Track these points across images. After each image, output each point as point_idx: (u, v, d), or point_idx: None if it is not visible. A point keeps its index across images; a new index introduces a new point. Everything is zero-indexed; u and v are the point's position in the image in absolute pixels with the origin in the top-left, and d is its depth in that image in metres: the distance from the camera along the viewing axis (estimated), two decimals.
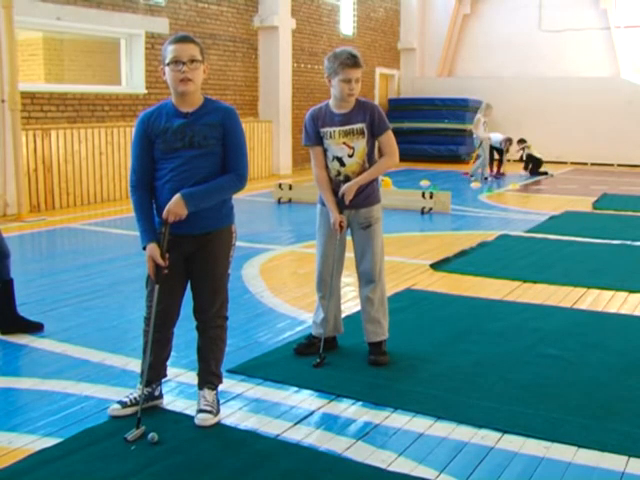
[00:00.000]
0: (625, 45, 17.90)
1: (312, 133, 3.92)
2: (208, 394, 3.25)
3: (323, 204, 4.00)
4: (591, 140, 17.54)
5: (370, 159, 3.93)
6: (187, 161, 3.08)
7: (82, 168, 9.85)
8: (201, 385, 3.29)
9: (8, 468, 2.77)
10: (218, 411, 3.24)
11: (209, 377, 3.29)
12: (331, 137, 3.87)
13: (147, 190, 3.16)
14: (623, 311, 5.12)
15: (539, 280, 5.93)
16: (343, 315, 4.28)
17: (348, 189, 3.85)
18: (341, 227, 3.90)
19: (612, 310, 5.15)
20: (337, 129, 3.85)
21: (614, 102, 17.25)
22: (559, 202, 10.84)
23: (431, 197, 9.63)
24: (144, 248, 3.10)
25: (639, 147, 17.25)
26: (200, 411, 3.19)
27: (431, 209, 9.61)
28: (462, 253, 6.99)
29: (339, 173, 3.91)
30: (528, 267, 6.45)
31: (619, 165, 17.42)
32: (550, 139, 17.26)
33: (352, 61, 3.74)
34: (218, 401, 3.29)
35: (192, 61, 3.04)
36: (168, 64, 3.05)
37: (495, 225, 8.81)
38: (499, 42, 19.08)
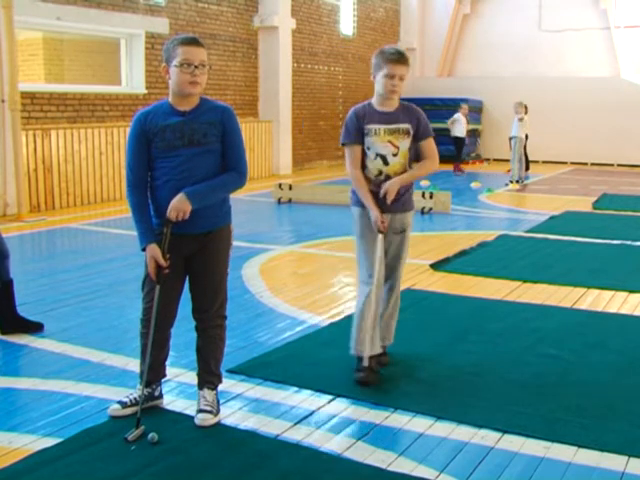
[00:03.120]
0: (625, 45, 17.90)
1: (354, 130, 3.75)
2: (208, 394, 3.25)
3: (361, 205, 3.75)
4: (591, 140, 17.54)
5: (410, 163, 3.81)
6: (187, 159, 3.08)
7: (82, 168, 9.85)
8: (201, 385, 3.29)
9: (8, 468, 2.76)
10: (218, 411, 3.24)
11: (209, 377, 3.29)
12: (376, 134, 3.73)
13: (144, 190, 3.15)
14: (623, 311, 5.12)
15: (539, 280, 5.93)
16: (343, 315, 4.27)
17: (390, 187, 3.66)
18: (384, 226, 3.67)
19: (612, 310, 5.14)
20: (382, 127, 3.73)
21: (614, 102, 17.25)
22: (559, 202, 10.84)
23: (431, 197, 9.61)
24: (143, 249, 3.09)
25: (639, 147, 17.25)
26: (200, 411, 3.19)
27: (431, 209, 9.60)
28: (462, 253, 6.99)
29: (380, 172, 3.74)
30: (528, 267, 6.45)
31: (619, 165, 17.43)
32: (550, 139, 17.25)
33: (396, 57, 3.64)
34: (218, 401, 3.29)
35: (203, 65, 3.06)
36: (178, 65, 3.04)
37: (495, 225, 8.81)
38: (499, 42, 19.09)
